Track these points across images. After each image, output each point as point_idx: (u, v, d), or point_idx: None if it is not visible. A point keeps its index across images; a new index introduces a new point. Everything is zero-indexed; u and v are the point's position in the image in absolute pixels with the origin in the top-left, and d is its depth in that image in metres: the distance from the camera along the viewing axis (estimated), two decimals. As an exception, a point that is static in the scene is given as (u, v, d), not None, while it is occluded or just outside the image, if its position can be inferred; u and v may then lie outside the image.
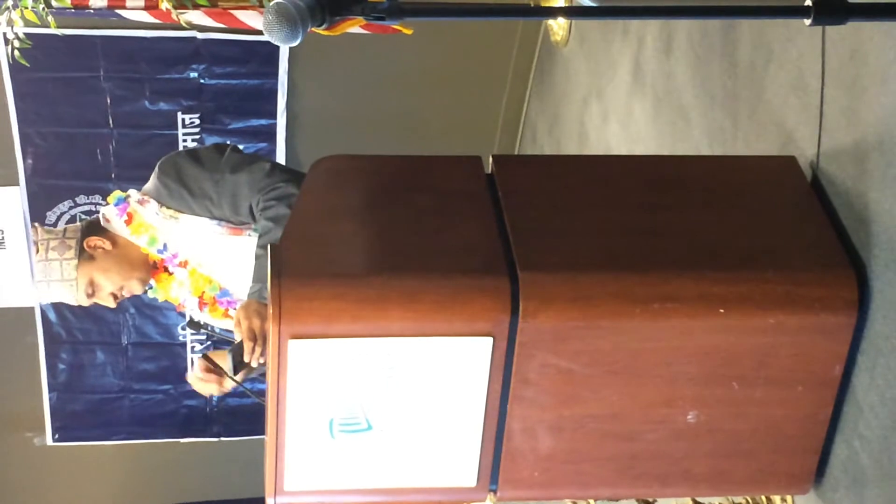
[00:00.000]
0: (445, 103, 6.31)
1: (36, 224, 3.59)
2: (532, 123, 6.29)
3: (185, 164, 3.42)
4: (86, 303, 3.56)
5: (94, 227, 3.58)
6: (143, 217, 3.48)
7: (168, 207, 3.43)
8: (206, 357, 3.33)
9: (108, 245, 3.53)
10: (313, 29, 2.03)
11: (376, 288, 2.55)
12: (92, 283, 3.51)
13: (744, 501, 3.24)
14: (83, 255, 3.50)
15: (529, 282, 2.55)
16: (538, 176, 2.93)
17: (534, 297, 2.55)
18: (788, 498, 3.08)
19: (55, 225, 6.34)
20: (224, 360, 3.25)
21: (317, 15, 2.01)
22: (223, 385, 3.32)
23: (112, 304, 3.60)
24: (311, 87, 6.19)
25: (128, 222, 3.49)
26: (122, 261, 3.54)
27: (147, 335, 6.76)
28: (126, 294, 3.59)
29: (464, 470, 2.76)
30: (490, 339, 2.56)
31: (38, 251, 3.49)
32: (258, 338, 3.14)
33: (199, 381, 3.34)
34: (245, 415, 6.97)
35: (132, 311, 6.65)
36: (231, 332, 3.36)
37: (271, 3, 2.00)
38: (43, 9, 5.05)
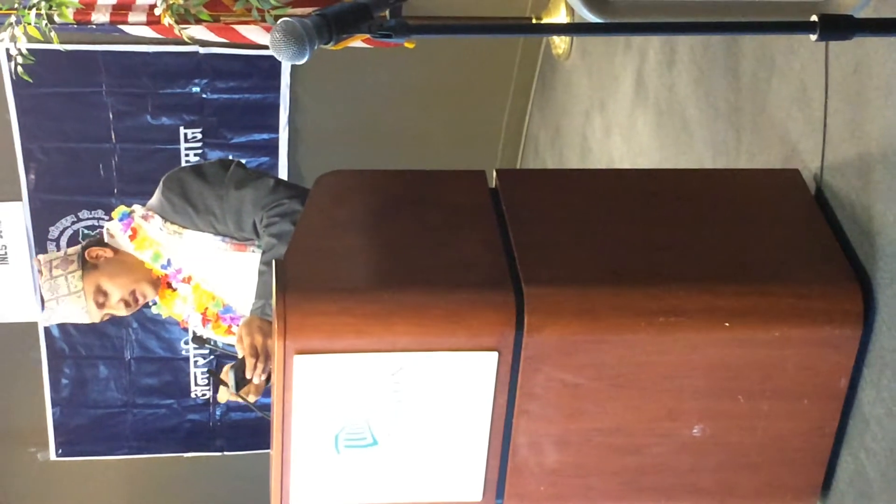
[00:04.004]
0: (447, 117, 6.31)
1: (38, 256, 3.57)
2: (534, 137, 6.30)
3: (190, 179, 3.41)
4: (98, 317, 3.52)
5: (96, 242, 3.58)
6: (147, 232, 3.48)
7: (172, 223, 3.43)
8: (211, 373, 3.33)
9: (109, 253, 3.52)
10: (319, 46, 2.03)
11: (381, 303, 2.55)
12: (101, 291, 3.49)
13: (749, 514, 3.23)
14: (86, 266, 3.49)
15: (534, 296, 2.55)
16: (542, 190, 2.93)
17: (539, 311, 2.55)
18: (794, 511, 3.08)
19: (58, 239, 6.35)
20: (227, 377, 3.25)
21: (324, 33, 2.01)
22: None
23: (125, 312, 3.56)
24: (313, 101, 6.19)
25: (132, 237, 3.49)
26: (127, 264, 3.52)
27: (150, 350, 6.76)
28: (140, 299, 3.54)
29: (469, 484, 2.76)
30: (495, 354, 2.56)
31: (42, 275, 3.48)
32: (260, 354, 3.14)
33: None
34: (248, 429, 6.96)
35: (135, 325, 6.65)
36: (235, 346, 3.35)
37: (279, 22, 2.00)
38: (46, 24, 5.06)
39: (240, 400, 3.28)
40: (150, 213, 3.47)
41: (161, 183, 3.46)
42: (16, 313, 6.58)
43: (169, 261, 3.50)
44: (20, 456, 7.07)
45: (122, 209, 3.56)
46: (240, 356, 3.19)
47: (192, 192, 3.39)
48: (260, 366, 3.16)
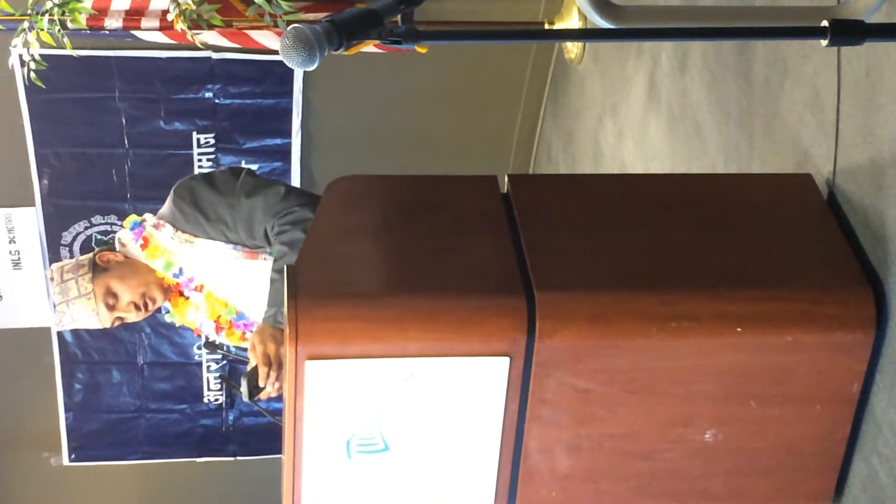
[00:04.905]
0: (460, 122, 6.31)
1: (51, 266, 3.58)
2: (547, 141, 6.29)
3: (201, 188, 3.42)
4: (108, 320, 3.52)
5: (107, 250, 3.58)
6: (158, 241, 3.48)
7: (183, 232, 3.43)
8: (224, 378, 3.34)
9: (120, 257, 3.54)
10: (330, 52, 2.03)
11: (393, 308, 2.55)
12: (111, 293, 3.50)
13: (762, 520, 3.23)
14: (97, 269, 3.50)
15: (546, 301, 2.55)
16: (554, 195, 2.93)
17: (550, 316, 2.54)
18: (807, 516, 3.07)
19: (71, 245, 6.36)
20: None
21: (334, 39, 2.01)
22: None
23: (135, 316, 3.56)
24: (326, 106, 6.20)
25: (143, 246, 3.50)
26: (137, 266, 3.53)
27: (163, 355, 6.77)
28: (150, 302, 3.55)
29: (481, 490, 2.76)
30: (507, 359, 2.56)
31: (53, 281, 3.49)
32: (273, 362, 3.14)
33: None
34: (261, 434, 6.97)
35: (148, 330, 6.66)
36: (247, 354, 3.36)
37: (289, 28, 2.00)
38: (58, 30, 5.07)
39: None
40: (162, 221, 3.48)
41: (172, 192, 3.47)
42: (29, 318, 6.59)
43: (181, 269, 3.50)
44: (33, 461, 7.09)
45: (133, 218, 3.57)
46: (253, 364, 3.19)
47: (203, 200, 3.40)
48: (273, 374, 3.16)
